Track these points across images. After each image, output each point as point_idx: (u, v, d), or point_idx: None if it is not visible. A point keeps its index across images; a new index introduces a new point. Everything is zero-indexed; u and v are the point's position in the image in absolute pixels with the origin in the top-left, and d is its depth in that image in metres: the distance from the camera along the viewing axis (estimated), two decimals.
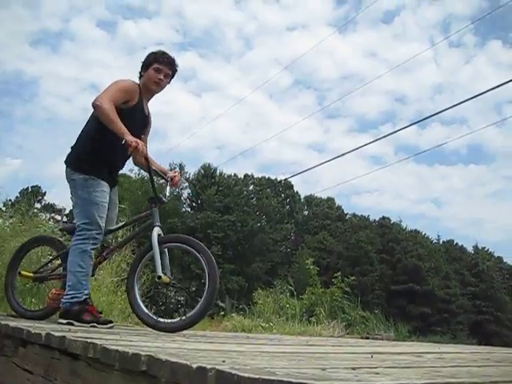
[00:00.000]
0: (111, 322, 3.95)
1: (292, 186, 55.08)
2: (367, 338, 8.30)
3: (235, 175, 49.59)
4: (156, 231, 3.94)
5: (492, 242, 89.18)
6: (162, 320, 3.73)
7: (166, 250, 3.94)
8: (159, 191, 4.27)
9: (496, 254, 60.50)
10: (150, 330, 3.75)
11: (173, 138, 67.79)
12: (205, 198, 44.83)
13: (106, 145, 4.06)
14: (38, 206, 30.61)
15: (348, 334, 9.67)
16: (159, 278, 3.74)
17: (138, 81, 4.34)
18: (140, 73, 4.35)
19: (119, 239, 6.92)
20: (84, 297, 3.96)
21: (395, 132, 26.21)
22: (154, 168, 4.26)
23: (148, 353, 1.47)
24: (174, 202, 42.37)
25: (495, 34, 75.38)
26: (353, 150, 21.28)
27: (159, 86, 4.35)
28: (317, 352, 2.33)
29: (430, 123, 76.50)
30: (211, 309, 4.00)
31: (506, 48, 73.68)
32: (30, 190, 44.97)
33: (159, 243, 3.88)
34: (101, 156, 4.14)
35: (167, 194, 4.42)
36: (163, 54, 4.35)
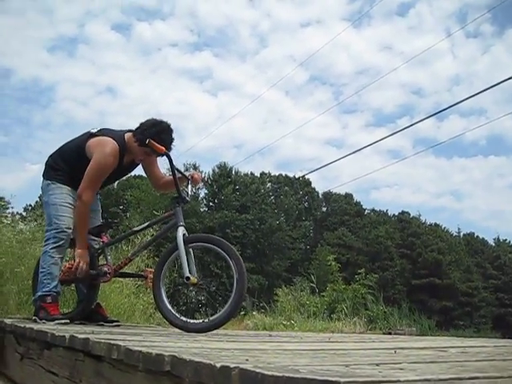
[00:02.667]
0: (61, 319, 3.97)
1: (310, 183, 55.03)
2: (389, 334, 8.26)
3: (252, 173, 49.62)
4: (181, 231, 3.91)
5: None
6: (189, 321, 3.73)
7: (191, 250, 3.91)
8: (183, 191, 4.28)
9: None
10: (173, 330, 3.76)
11: (190, 138, 67.96)
12: (222, 197, 44.91)
13: (81, 170, 4.19)
14: None
15: (370, 330, 9.64)
16: (187, 279, 3.71)
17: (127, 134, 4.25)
18: (136, 133, 4.12)
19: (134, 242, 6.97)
20: (40, 294, 4.10)
21: (413, 125, 25.92)
22: (178, 168, 4.27)
23: (171, 353, 1.47)
24: (192, 202, 42.49)
25: None
26: (370, 145, 21.20)
27: (139, 161, 4.40)
28: (340, 349, 2.32)
29: (448, 115, 75.88)
30: (236, 314, 3.98)
31: None
32: None
33: (185, 243, 3.85)
34: (67, 171, 4.31)
35: (188, 192, 4.42)
36: (163, 141, 4.03)
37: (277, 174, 53.90)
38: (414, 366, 1.40)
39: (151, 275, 4.08)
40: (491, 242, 59.72)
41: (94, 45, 73.39)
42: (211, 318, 3.68)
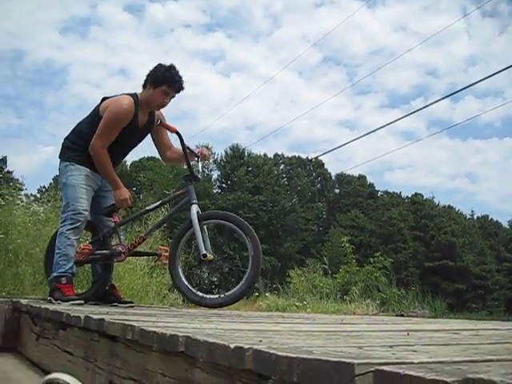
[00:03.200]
0: (76, 299, 4.00)
1: (323, 165, 54.91)
2: (402, 316, 8.27)
3: (265, 155, 49.53)
4: (195, 208, 3.94)
5: None
6: (206, 296, 3.79)
7: (205, 227, 3.94)
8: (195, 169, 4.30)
9: None
10: (186, 311, 3.81)
11: (203, 119, 68.13)
12: (235, 178, 44.93)
13: None
14: None
15: (383, 312, 9.65)
16: (204, 256, 3.77)
17: (140, 90, 4.31)
18: (145, 84, 4.28)
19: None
20: (55, 275, 4.13)
21: (427, 106, 25.92)
22: (187, 146, 4.28)
23: (186, 334, 1.48)
24: (205, 184, 42.60)
25: None
26: (384, 126, 21.14)
27: (161, 108, 4.38)
28: (353, 330, 2.33)
29: (463, 96, 75.38)
30: (251, 290, 4.04)
31: None
32: None
33: (199, 220, 3.88)
34: (84, 150, 4.26)
35: (200, 169, 4.44)
36: (175, 76, 4.23)
37: (290, 156, 53.88)
38: (427, 349, 1.40)
39: (166, 253, 4.13)
40: (505, 225, 59.45)
41: (107, 26, 73.71)
42: (227, 294, 3.73)
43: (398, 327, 2.76)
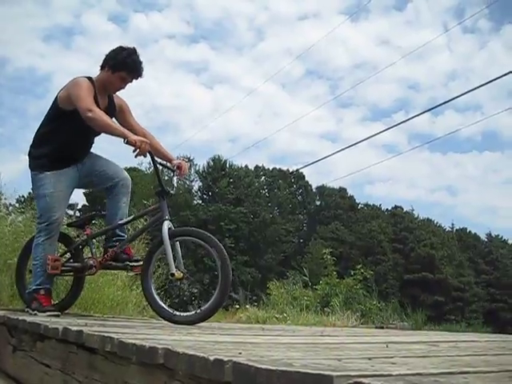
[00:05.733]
0: (53, 311, 3.93)
1: (304, 177, 55.01)
2: (382, 328, 8.30)
3: (246, 167, 49.57)
4: (166, 225, 3.87)
5: (506, 230, 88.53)
6: (177, 313, 3.76)
7: (177, 243, 3.91)
8: (169, 183, 4.26)
9: (510, 242, 60.11)
10: (166, 323, 3.78)
11: (185, 130, 67.87)
12: (216, 190, 44.87)
13: (62, 142, 4.11)
14: None
15: (363, 323, 9.67)
16: (172, 275, 3.73)
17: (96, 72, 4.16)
18: (104, 65, 4.11)
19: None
20: (34, 287, 4.07)
21: (408, 120, 26.19)
22: (159, 160, 4.22)
23: (165, 346, 1.48)
24: (186, 195, 42.48)
25: (510, 19, 74.49)
26: (365, 139, 21.33)
27: (116, 92, 4.26)
28: (332, 342, 2.33)
29: (444, 110, 76.32)
30: (225, 302, 4.00)
31: None
32: None
33: (170, 237, 3.83)
34: (49, 154, 4.16)
35: (174, 184, 4.38)
36: (136, 63, 4.11)
37: (271, 168, 53.93)
38: (405, 361, 1.41)
39: (136, 270, 4.10)
40: (483, 238, 59.97)
41: (91, 35, 73.09)
42: (199, 310, 3.71)
43: (377, 339, 2.78)
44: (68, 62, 70.33)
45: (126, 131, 3.89)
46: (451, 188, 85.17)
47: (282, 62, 71.25)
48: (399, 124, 22.23)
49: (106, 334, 1.85)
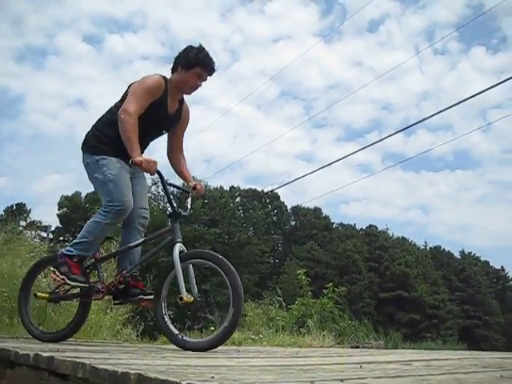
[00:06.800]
0: (80, 281, 3.89)
1: (279, 197, 55.12)
2: (357, 347, 8.30)
3: (221, 188, 49.53)
4: (177, 248, 3.79)
5: (479, 247, 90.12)
6: (189, 340, 3.67)
7: (190, 265, 3.80)
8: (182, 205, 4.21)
9: (482, 259, 60.93)
10: (140, 346, 3.74)
11: (161, 151, 67.50)
12: (191, 211, 44.68)
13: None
14: (23, 223, 30.34)
15: (338, 343, 9.65)
16: (181, 299, 3.58)
17: (169, 73, 4.13)
18: (176, 67, 4.10)
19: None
20: (69, 251, 3.93)
21: (381, 140, 26.39)
22: (169, 182, 4.17)
23: (137, 371, 1.47)
24: (162, 217, 42.22)
25: (479, 40, 76.81)
26: (339, 160, 21.38)
27: (194, 91, 4.21)
28: (306, 364, 2.33)
29: (416, 130, 77.42)
30: (236, 328, 3.93)
31: (489, 54, 75.01)
32: (14, 207, 44.83)
33: (182, 260, 3.73)
34: (115, 141, 3.96)
35: (188, 205, 4.32)
36: (208, 58, 4.10)
37: (246, 188, 53.97)
38: (378, 381, 1.42)
39: (143, 303, 4.00)
40: (457, 255, 60.58)
41: (65, 56, 73.05)
42: (209, 337, 3.66)
43: (351, 359, 2.78)
44: (41, 83, 70.11)
45: (135, 152, 3.80)
46: (424, 206, 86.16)
47: (256, 82, 71.64)
48: (373, 144, 22.33)
49: (78, 360, 1.83)
